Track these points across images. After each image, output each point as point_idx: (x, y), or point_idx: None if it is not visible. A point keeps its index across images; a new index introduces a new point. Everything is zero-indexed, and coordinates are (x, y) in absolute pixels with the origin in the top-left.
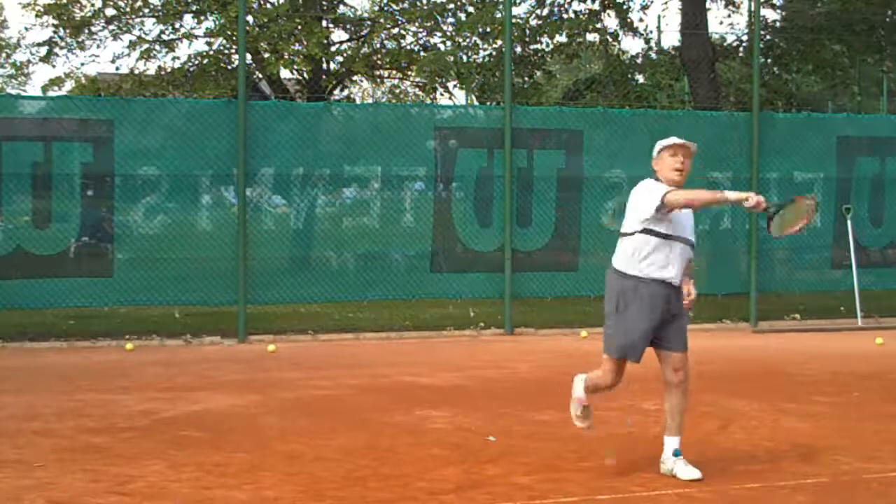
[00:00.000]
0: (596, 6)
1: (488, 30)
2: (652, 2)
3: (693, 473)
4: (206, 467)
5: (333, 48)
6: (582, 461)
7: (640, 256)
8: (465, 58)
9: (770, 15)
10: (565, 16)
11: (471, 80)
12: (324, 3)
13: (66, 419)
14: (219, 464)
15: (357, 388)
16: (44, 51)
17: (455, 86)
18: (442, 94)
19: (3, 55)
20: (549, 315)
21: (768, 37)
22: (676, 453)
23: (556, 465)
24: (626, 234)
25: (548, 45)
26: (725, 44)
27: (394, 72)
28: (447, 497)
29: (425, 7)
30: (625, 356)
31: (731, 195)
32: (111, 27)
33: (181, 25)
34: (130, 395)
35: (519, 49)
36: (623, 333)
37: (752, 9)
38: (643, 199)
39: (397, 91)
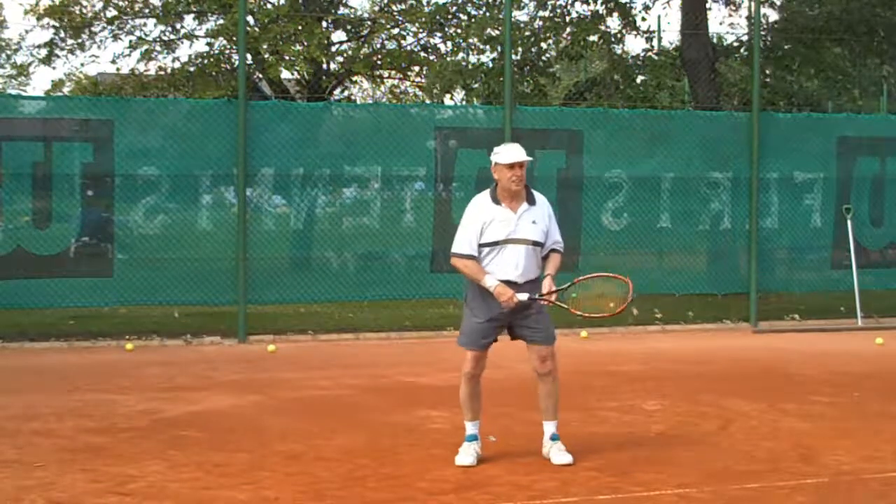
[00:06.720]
0: (599, 6)
1: (493, 34)
2: (654, 2)
3: (565, 458)
4: (206, 467)
5: (334, 48)
6: (582, 461)
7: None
8: (469, 65)
9: (771, 15)
10: (568, 18)
11: (476, 90)
12: (325, 3)
13: (66, 419)
14: (219, 464)
15: (357, 388)
16: (44, 52)
17: (463, 97)
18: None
19: (4, 56)
20: (549, 315)
21: (769, 37)
22: (554, 437)
23: (556, 464)
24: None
25: (550, 47)
26: (725, 44)
27: (394, 72)
28: (447, 497)
29: (426, 6)
30: (466, 346)
31: (489, 284)
32: (112, 28)
33: (182, 26)
34: (130, 395)
35: (521, 52)
36: (467, 326)
37: (753, 8)
38: (462, 226)
39: (397, 91)
